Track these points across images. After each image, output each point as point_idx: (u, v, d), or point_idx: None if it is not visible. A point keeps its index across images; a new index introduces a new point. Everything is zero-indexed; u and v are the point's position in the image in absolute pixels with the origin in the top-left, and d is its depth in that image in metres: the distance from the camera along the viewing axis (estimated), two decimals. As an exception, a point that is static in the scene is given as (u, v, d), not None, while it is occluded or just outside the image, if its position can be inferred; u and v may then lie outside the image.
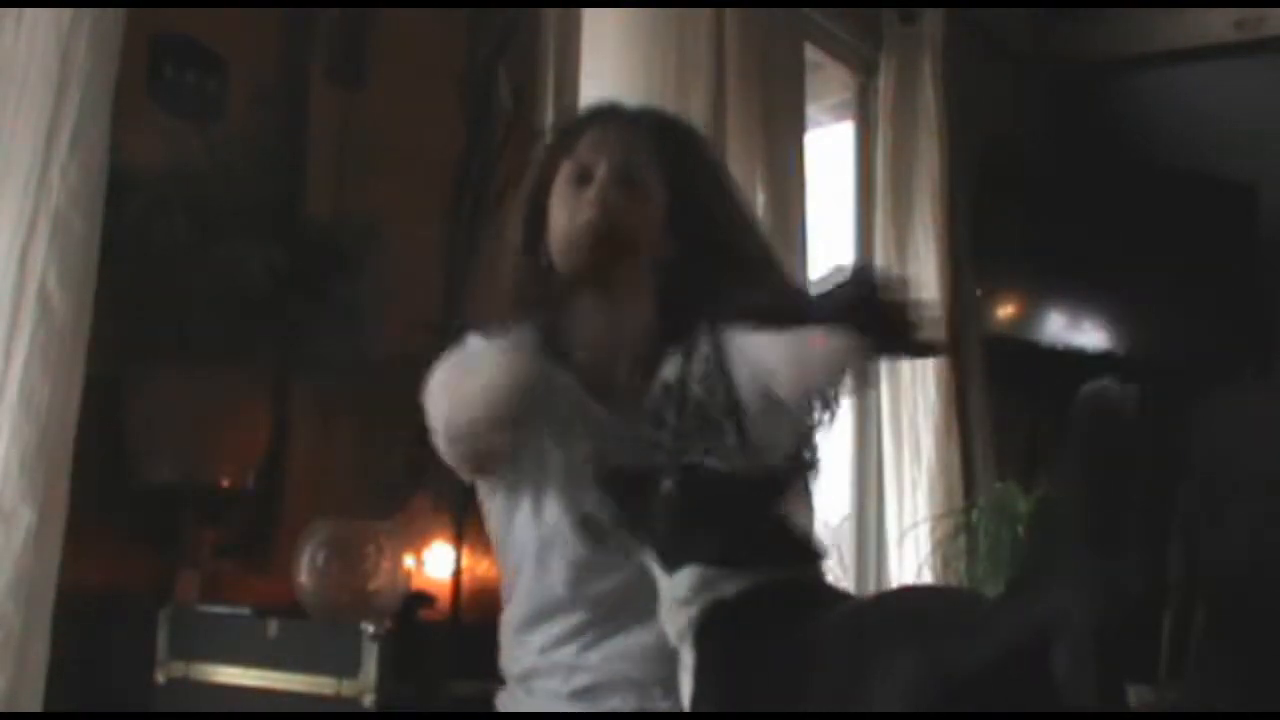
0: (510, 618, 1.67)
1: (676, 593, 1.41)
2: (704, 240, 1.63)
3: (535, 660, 1.62)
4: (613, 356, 1.65)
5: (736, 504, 1.41)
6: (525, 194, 1.69)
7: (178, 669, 2.23)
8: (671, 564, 1.42)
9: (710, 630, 1.39)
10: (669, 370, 1.62)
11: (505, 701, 1.68)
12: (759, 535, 1.40)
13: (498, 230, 1.75)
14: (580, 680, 1.58)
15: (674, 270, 1.62)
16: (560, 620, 1.60)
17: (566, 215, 1.62)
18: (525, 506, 1.62)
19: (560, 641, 1.60)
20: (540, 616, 1.62)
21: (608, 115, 1.68)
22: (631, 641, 1.56)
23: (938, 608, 1.34)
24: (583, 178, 1.62)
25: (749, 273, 1.64)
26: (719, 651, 1.38)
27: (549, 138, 1.73)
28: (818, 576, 1.43)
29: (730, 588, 1.38)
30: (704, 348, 1.61)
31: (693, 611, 1.39)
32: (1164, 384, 4.53)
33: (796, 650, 1.33)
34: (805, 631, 1.35)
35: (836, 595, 1.49)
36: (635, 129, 1.66)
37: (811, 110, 3.81)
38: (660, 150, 1.63)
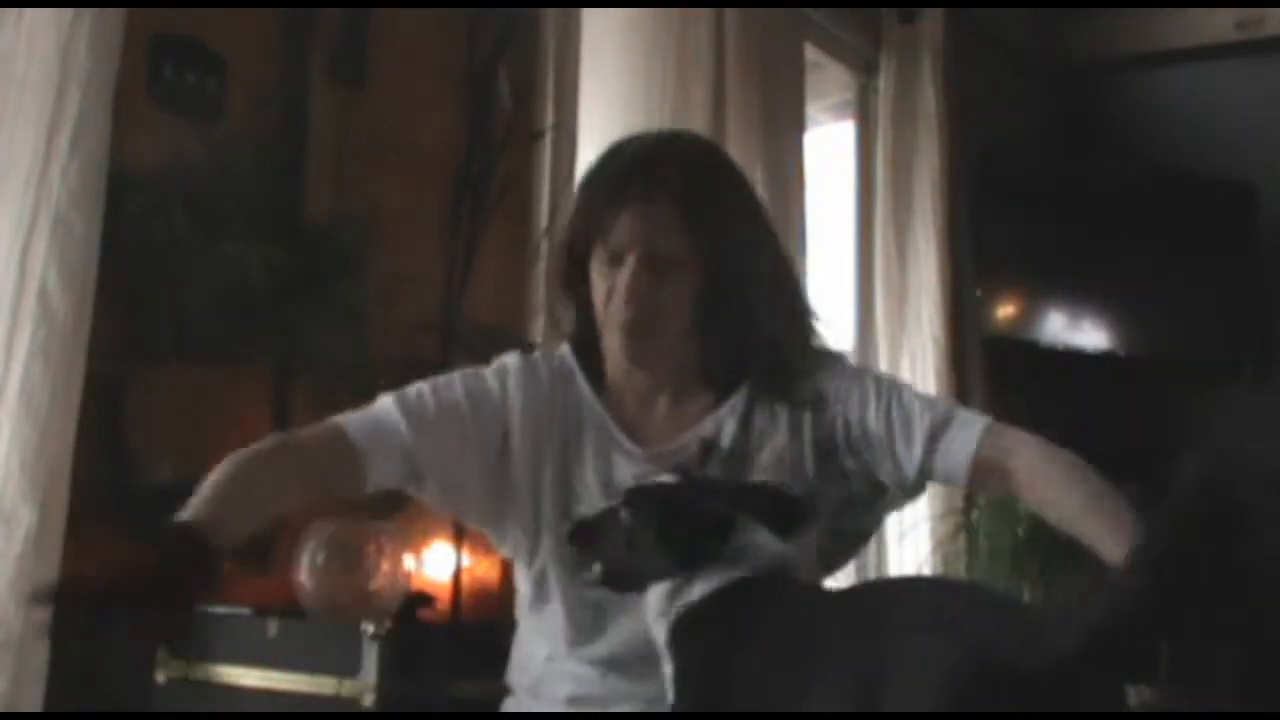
0: (519, 636, 1.70)
1: (652, 608, 1.43)
2: (737, 304, 1.65)
3: (542, 669, 1.63)
4: (649, 401, 1.69)
5: (688, 513, 1.42)
6: (560, 268, 1.72)
7: (178, 669, 2.22)
8: (640, 584, 1.44)
9: (683, 635, 1.40)
10: (709, 427, 1.65)
11: (509, 704, 1.69)
12: (715, 539, 1.41)
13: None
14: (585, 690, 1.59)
15: (709, 333, 1.66)
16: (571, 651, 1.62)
17: (604, 295, 1.65)
18: (523, 544, 1.65)
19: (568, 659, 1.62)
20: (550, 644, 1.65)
21: (636, 197, 1.63)
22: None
23: (963, 598, 1.34)
24: (615, 259, 1.63)
25: (785, 325, 1.68)
26: (693, 655, 1.38)
27: (579, 213, 1.69)
28: (787, 574, 1.43)
29: (697, 591, 1.39)
30: (761, 412, 1.65)
31: (668, 621, 1.41)
32: (1164, 384, 4.55)
33: (789, 642, 1.32)
34: (797, 622, 1.35)
35: (812, 590, 1.49)
36: (664, 205, 1.62)
37: (811, 110, 3.81)
38: (690, 222, 1.62)
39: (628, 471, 1.60)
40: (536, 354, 1.72)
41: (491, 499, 1.63)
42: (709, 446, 1.60)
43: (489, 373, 1.67)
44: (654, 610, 1.44)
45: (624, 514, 1.44)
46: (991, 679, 1.15)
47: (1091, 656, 1.15)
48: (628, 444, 1.64)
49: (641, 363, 1.65)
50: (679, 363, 1.67)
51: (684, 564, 1.41)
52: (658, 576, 1.42)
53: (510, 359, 1.69)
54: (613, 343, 1.65)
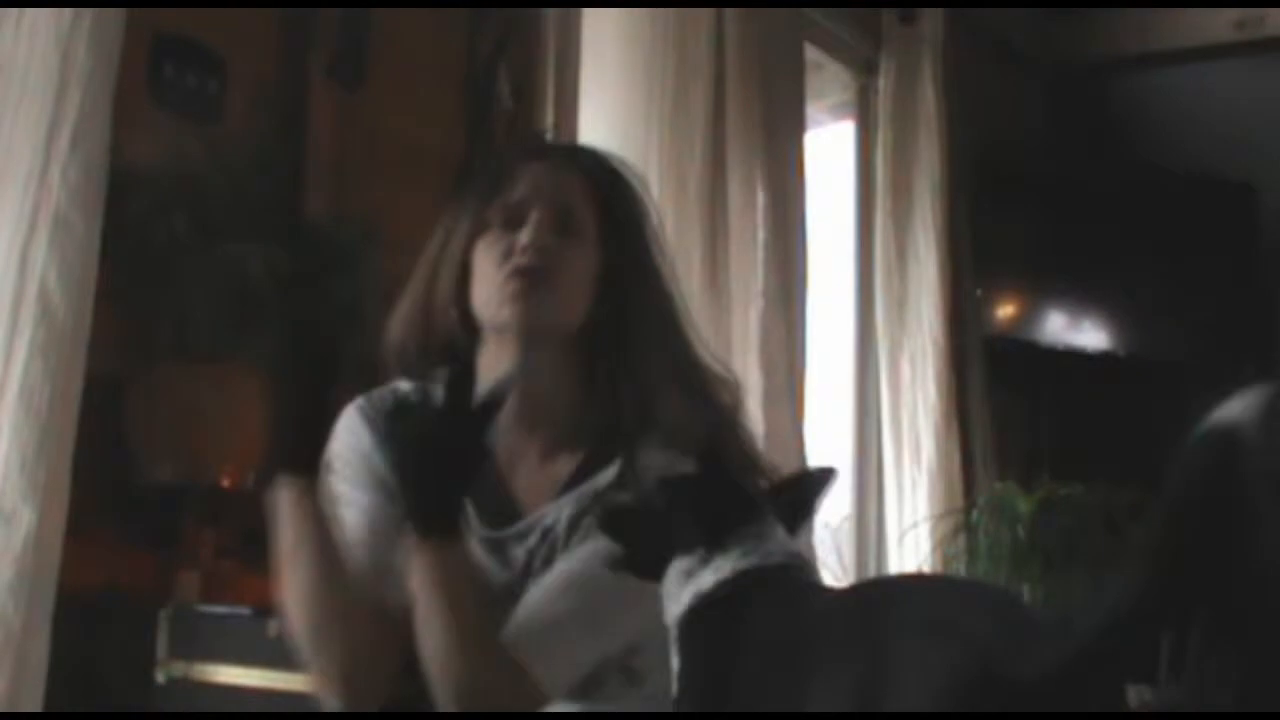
0: None
1: (666, 593, 1.41)
2: (632, 309, 1.52)
3: None
4: (530, 431, 1.54)
5: (718, 490, 1.40)
6: (444, 242, 1.57)
7: (178, 669, 2.22)
8: (656, 569, 1.40)
9: (691, 629, 1.39)
10: (553, 513, 1.50)
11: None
12: (734, 521, 1.39)
13: (416, 281, 1.59)
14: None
15: (599, 338, 1.52)
16: None
17: (495, 263, 1.50)
18: None
19: None
20: None
21: (543, 153, 1.58)
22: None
23: (967, 602, 1.34)
24: (513, 221, 1.51)
25: (675, 355, 1.54)
26: (697, 653, 1.38)
27: (477, 182, 1.59)
28: (799, 568, 1.42)
29: (708, 579, 1.37)
30: (638, 461, 1.49)
31: (678, 609, 1.39)
32: (1164, 384, 4.55)
33: (790, 642, 1.32)
34: (798, 621, 1.34)
35: (817, 586, 1.49)
36: (573, 172, 1.54)
37: (811, 110, 3.81)
38: (598, 200, 1.53)
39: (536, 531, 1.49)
40: (366, 402, 1.57)
41: None
42: (546, 536, 1.48)
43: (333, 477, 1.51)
44: (665, 597, 1.41)
45: (654, 496, 1.38)
46: (992, 680, 1.15)
47: (1091, 657, 1.15)
48: (472, 520, 1.48)
49: (534, 329, 1.49)
50: (560, 397, 1.52)
51: (710, 538, 1.38)
52: (684, 549, 1.38)
53: (337, 431, 1.53)
54: (499, 314, 1.49)
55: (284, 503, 1.42)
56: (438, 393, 1.47)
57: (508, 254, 1.49)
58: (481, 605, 1.41)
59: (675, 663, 1.41)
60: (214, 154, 2.46)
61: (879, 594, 1.50)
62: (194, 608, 2.29)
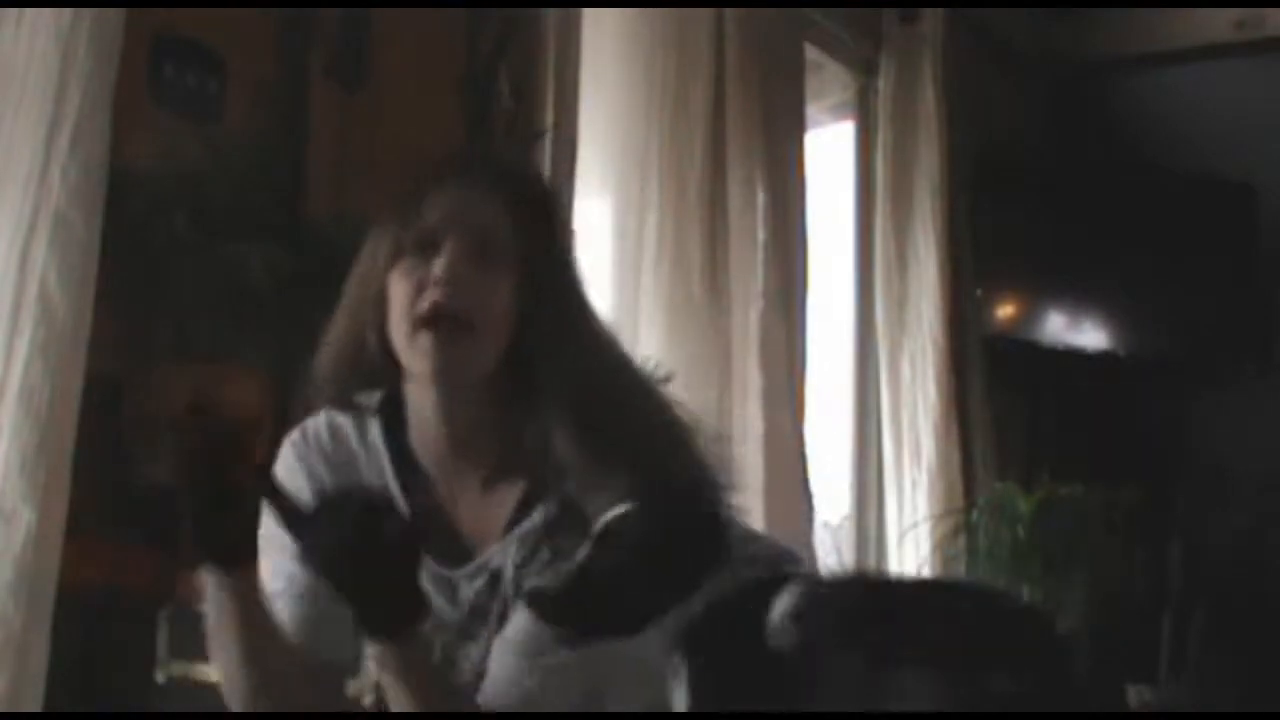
0: None
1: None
2: (552, 333, 1.44)
3: None
4: (467, 461, 1.49)
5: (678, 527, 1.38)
6: (367, 267, 1.49)
7: (178, 669, 2.22)
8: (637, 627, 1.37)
9: (692, 647, 1.38)
10: (500, 556, 1.45)
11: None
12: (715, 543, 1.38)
13: (342, 307, 1.53)
14: None
15: (518, 363, 1.44)
16: None
17: (409, 297, 1.42)
18: None
19: None
20: None
21: (458, 174, 1.49)
22: None
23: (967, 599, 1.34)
24: (427, 248, 1.43)
25: (595, 383, 1.45)
26: (702, 667, 1.37)
27: (395, 201, 1.50)
28: (794, 570, 1.42)
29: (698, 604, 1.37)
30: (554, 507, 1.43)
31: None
32: (1164, 384, 4.55)
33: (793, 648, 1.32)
34: (799, 627, 1.34)
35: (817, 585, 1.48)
36: (490, 194, 1.46)
37: (811, 110, 3.81)
38: (516, 222, 1.44)
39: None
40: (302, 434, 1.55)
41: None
42: (495, 579, 1.44)
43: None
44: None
45: (593, 560, 1.34)
46: (992, 681, 1.15)
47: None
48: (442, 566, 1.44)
49: (450, 376, 1.43)
50: (488, 430, 1.46)
51: (686, 588, 1.35)
52: (664, 609, 1.34)
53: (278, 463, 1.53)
54: (412, 348, 1.42)
55: (209, 587, 1.42)
56: (372, 429, 1.48)
57: (421, 287, 1.42)
58: (447, 690, 1.40)
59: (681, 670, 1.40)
60: (214, 154, 2.46)
61: (881, 595, 1.50)
62: (194, 608, 2.29)
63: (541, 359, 1.44)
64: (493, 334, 1.42)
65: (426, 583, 1.41)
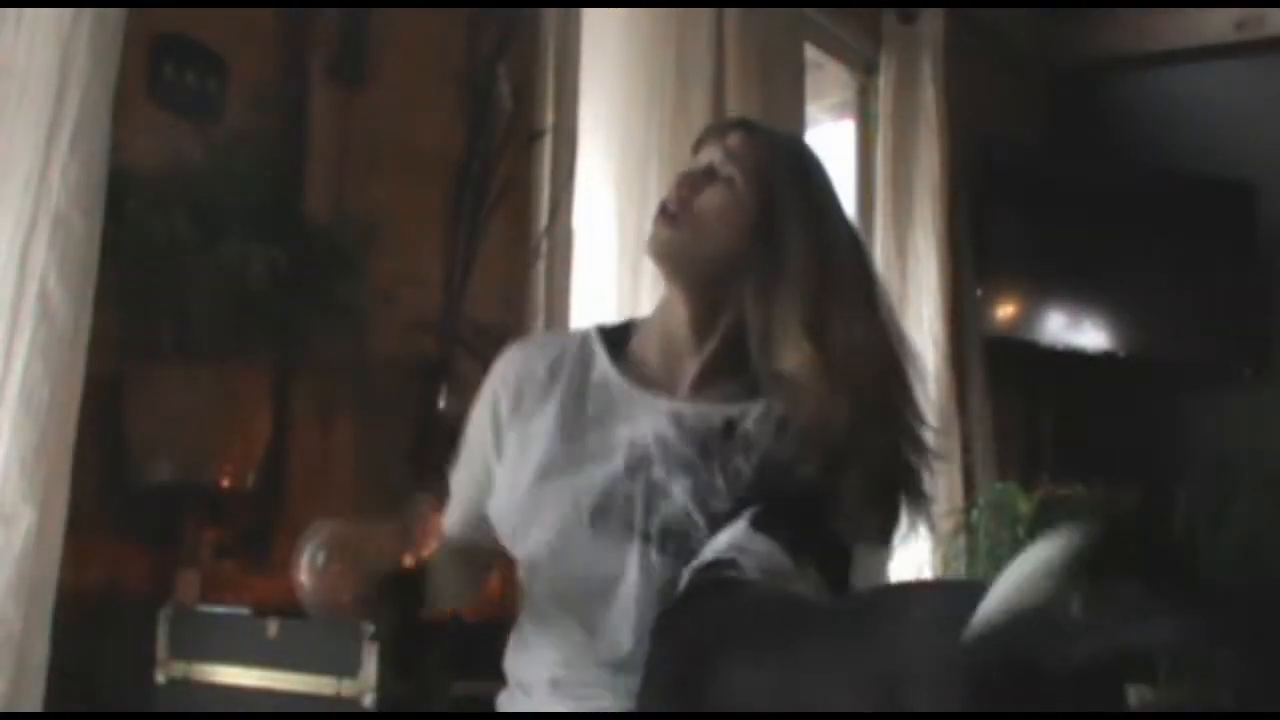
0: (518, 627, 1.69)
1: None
2: (776, 253, 1.58)
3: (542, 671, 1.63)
4: (675, 367, 1.64)
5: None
6: None
7: (178, 669, 2.22)
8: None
9: (659, 630, 1.41)
10: (734, 410, 1.58)
11: (504, 702, 1.69)
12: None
13: None
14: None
15: (749, 289, 1.59)
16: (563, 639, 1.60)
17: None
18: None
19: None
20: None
21: (725, 127, 1.69)
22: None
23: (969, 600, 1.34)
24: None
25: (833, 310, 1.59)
26: (662, 652, 1.39)
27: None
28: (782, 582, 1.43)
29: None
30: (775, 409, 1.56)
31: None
32: (1164, 384, 4.55)
33: (775, 648, 1.32)
34: (784, 628, 1.34)
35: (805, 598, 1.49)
36: (740, 136, 1.65)
37: (811, 110, 3.81)
38: (757, 156, 1.62)
39: (648, 426, 1.57)
40: (540, 340, 1.74)
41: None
42: (731, 425, 1.56)
43: (481, 404, 1.69)
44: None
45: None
46: (993, 682, 1.15)
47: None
48: (650, 397, 1.60)
49: (662, 262, 1.62)
50: (695, 329, 1.62)
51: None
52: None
53: (500, 363, 1.70)
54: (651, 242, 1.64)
55: None
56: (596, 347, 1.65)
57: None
58: None
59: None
60: (214, 154, 2.46)
61: (882, 598, 1.50)
62: (194, 608, 2.29)
63: (759, 274, 1.57)
64: (707, 233, 1.59)
65: (661, 415, 1.57)
